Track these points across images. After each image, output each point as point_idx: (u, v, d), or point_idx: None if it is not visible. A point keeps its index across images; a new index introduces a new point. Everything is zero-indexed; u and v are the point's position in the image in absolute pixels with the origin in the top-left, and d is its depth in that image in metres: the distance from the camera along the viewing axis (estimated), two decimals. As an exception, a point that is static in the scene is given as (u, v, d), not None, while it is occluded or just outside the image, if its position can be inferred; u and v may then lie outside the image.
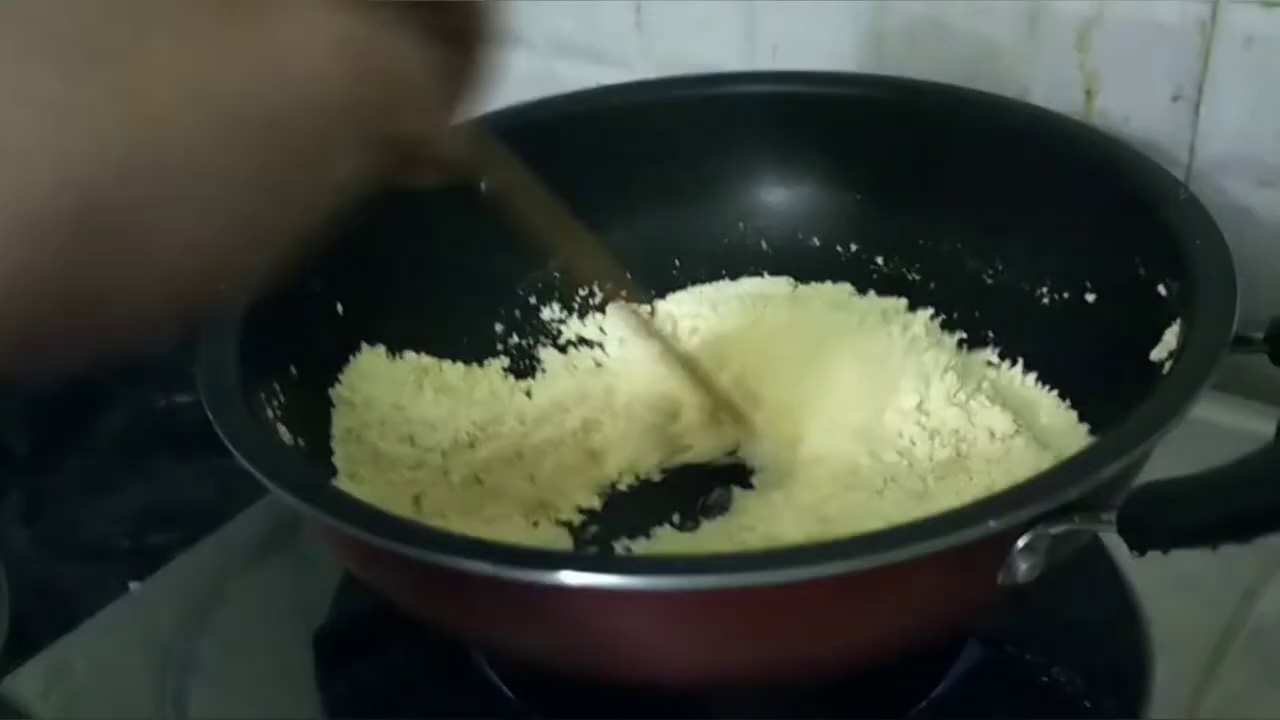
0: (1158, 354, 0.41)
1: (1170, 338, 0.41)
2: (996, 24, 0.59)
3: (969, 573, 0.34)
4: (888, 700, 0.43)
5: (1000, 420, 0.47)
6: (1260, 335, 0.38)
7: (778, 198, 0.57)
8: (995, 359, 0.52)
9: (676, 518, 0.48)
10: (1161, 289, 0.43)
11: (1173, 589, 0.46)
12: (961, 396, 0.48)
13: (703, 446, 0.50)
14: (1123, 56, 0.57)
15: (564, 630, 0.35)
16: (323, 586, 0.50)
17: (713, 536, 0.45)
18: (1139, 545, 0.32)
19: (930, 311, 0.54)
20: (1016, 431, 0.47)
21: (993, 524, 0.32)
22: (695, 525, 0.47)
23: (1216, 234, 0.42)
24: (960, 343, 0.53)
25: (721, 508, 0.48)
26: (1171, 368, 0.38)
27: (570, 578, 0.32)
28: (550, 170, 0.54)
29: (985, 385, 0.49)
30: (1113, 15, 0.56)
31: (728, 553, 0.34)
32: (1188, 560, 0.42)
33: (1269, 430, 0.33)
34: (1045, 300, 0.50)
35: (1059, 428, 0.47)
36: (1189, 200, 0.44)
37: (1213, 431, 0.42)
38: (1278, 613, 0.46)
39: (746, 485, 0.49)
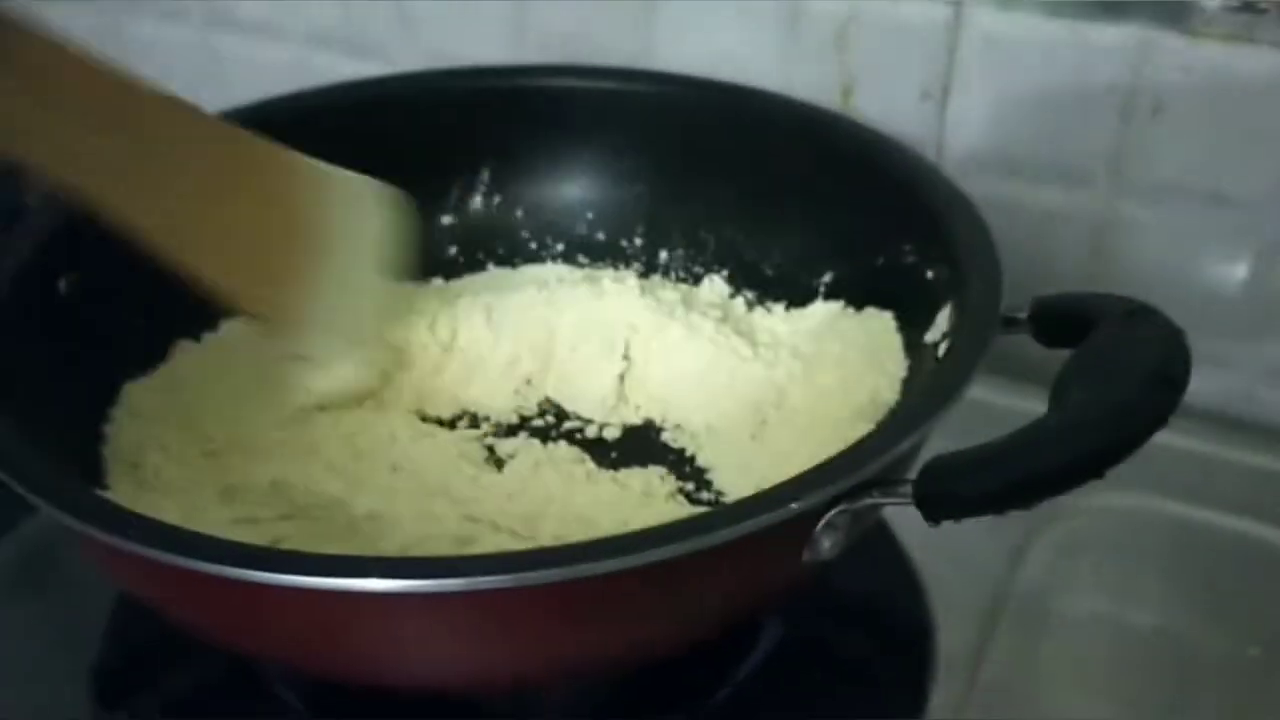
0: (931, 336, 0.44)
1: (942, 320, 0.43)
2: (759, 22, 0.61)
3: (776, 553, 0.35)
4: (692, 688, 0.43)
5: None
6: (1024, 315, 0.41)
7: (562, 192, 0.57)
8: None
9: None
10: (930, 273, 0.46)
11: (947, 558, 0.49)
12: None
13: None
14: (876, 56, 0.60)
15: (346, 637, 0.34)
16: (91, 617, 0.46)
17: None
18: (934, 516, 0.33)
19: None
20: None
21: (795, 505, 0.33)
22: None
23: (977, 219, 0.45)
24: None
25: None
26: (948, 347, 0.40)
27: (341, 583, 0.31)
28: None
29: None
30: (867, 16, 0.59)
31: (519, 550, 0.34)
32: (959, 530, 0.46)
33: (1031, 407, 0.36)
34: (823, 289, 0.52)
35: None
36: (949, 187, 0.47)
37: (977, 410, 0.45)
38: (1042, 574, 0.49)
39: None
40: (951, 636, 0.46)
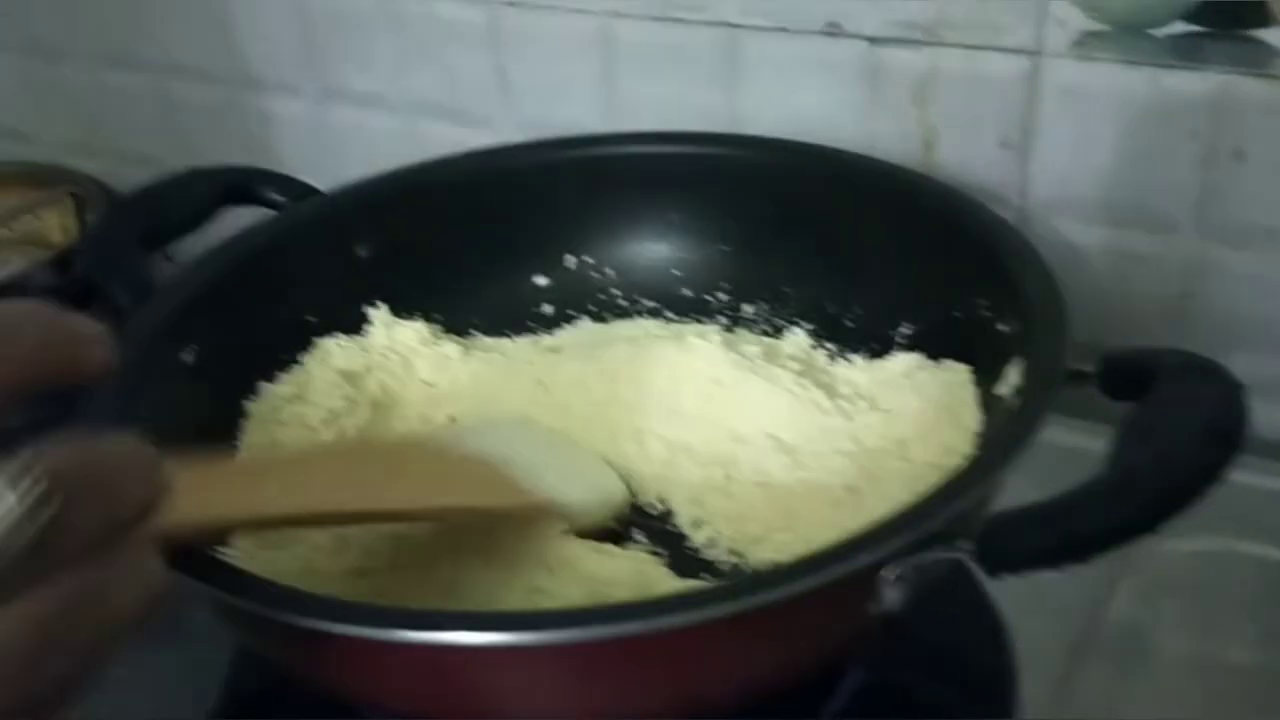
0: (1002, 389, 0.45)
1: (1013, 374, 0.44)
2: (840, 81, 0.63)
3: (841, 606, 0.37)
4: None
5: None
6: (1091, 369, 0.42)
7: (650, 252, 0.60)
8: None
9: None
10: (1002, 327, 0.47)
11: (1030, 601, 0.50)
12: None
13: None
14: (956, 108, 0.61)
15: (460, 688, 0.37)
16: (211, 667, 0.49)
17: None
18: (994, 571, 0.35)
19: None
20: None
21: (858, 560, 0.35)
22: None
23: (1048, 273, 0.46)
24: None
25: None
26: (1017, 403, 0.41)
27: (444, 637, 0.34)
28: (423, 234, 0.58)
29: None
30: (946, 70, 0.61)
31: (601, 605, 0.36)
32: (1043, 576, 0.46)
33: (1097, 446, 0.37)
34: (902, 340, 0.54)
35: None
36: (1021, 241, 0.48)
37: (1050, 450, 0.46)
38: (1126, 616, 0.49)
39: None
40: (1035, 680, 0.47)
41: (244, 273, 0.53)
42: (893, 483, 0.48)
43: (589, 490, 0.50)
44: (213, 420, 0.50)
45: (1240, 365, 0.40)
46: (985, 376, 0.48)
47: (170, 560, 0.28)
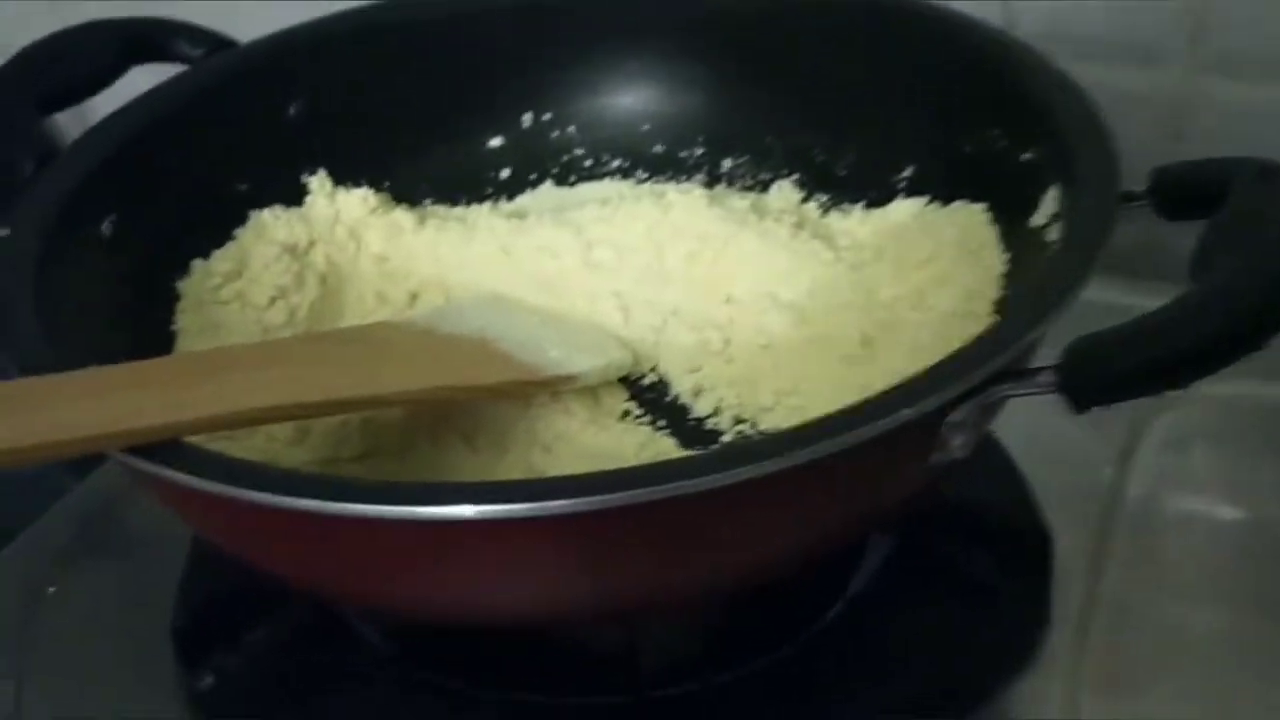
0: (1038, 219, 0.41)
1: (1050, 202, 0.40)
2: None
3: (904, 455, 0.33)
4: (803, 605, 0.41)
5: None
6: (1142, 188, 0.38)
7: (615, 105, 0.54)
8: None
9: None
10: (1027, 155, 0.43)
11: (1054, 461, 0.46)
12: None
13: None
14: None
15: (436, 568, 0.32)
16: (163, 578, 0.44)
17: None
18: (1083, 402, 0.31)
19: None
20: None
21: (920, 406, 0.31)
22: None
23: (1076, 90, 0.42)
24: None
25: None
26: (1065, 227, 0.37)
27: (447, 511, 0.29)
28: (360, 90, 0.52)
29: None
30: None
31: (661, 462, 0.31)
32: (1064, 433, 0.43)
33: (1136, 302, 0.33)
34: (903, 186, 0.49)
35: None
36: (1037, 61, 0.43)
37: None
38: (1154, 472, 0.46)
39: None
40: (1067, 543, 0.44)
41: (161, 135, 0.47)
42: (912, 334, 0.43)
43: (594, 357, 0.44)
44: (139, 301, 0.44)
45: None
46: (1006, 213, 0.44)
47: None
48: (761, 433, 0.43)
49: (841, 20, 0.51)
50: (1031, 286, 0.35)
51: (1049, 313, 0.32)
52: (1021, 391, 0.31)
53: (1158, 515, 0.45)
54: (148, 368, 0.35)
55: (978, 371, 0.31)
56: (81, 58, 0.48)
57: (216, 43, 0.50)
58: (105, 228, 0.43)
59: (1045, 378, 0.31)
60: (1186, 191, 0.37)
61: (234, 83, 0.49)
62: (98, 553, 0.47)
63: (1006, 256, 0.43)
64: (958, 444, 0.32)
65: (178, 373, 0.35)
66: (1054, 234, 0.39)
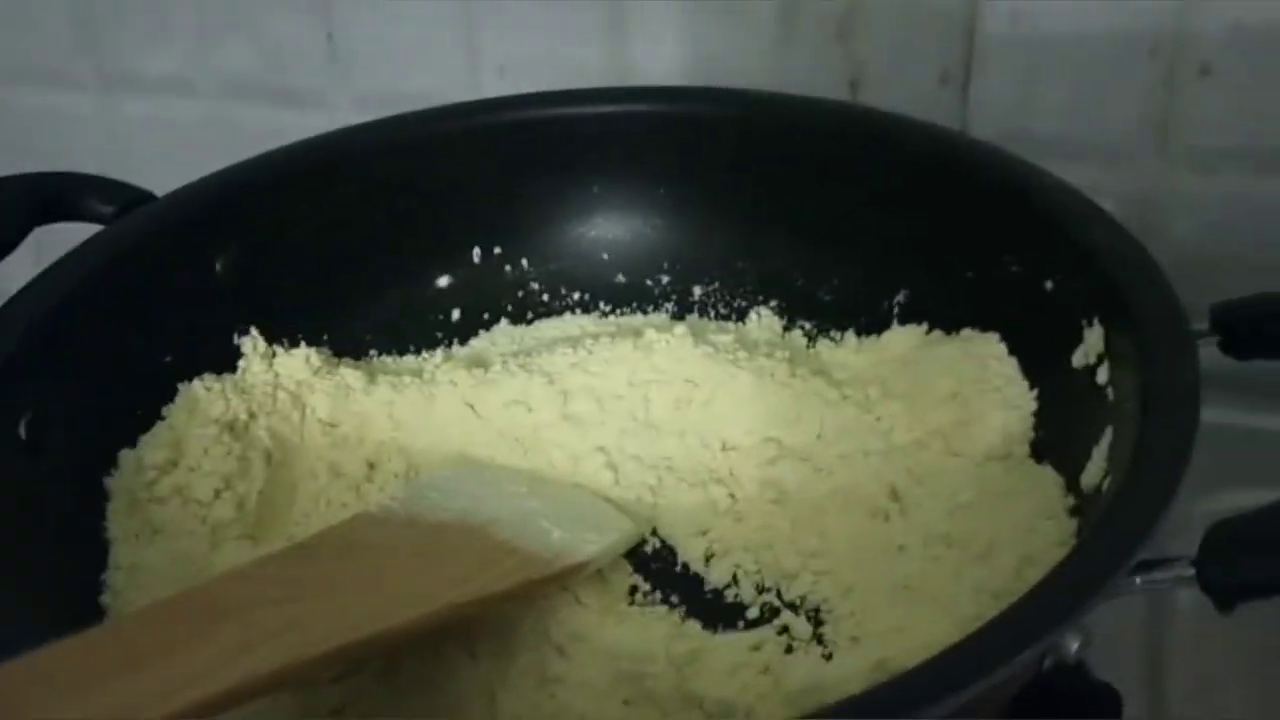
0: (1081, 359, 0.37)
1: (1094, 339, 0.37)
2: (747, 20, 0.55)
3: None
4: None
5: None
6: (1205, 326, 0.35)
7: (570, 234, 0.50)
8: None
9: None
10: (1050, 285, 0.40)
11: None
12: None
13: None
14: (885, 41, 0.54)
15: None
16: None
17: None
18: (1226, 600, 0.27)
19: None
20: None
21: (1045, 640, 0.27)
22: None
23: (1103, 216, 0.39)
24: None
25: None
26: (1144, 379, 0.33)
27: None
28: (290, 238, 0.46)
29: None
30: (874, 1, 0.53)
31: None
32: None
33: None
34: (897, 312, 0.46)
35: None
36: (1056, 183, 0.41)
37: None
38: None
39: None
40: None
41: (73, 313, 0.40)
42: (947, 485, 0.40)
43: (600, 533, 0.39)
44: (66, 509, 0.38)
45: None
46: (1026, 344, 0.41)
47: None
48: (791, 604, 0.39)
49: (805, 136, 0.47)
50: (1143, 462, 0.31)
51: (1159, 506, 0.28)
52: (1158, 586, 0.28)
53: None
54: (125, 632, 0.29)
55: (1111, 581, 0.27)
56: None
57: (132, 197, 0.44)
58: (21, 430, 0.37)
59: (1183, 571, 0.27)
60: (1255, 329, 0.34)
61: (152, 241, 0.43)
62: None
63: (1034, 393, 0.40)
64: (1074, 649, 0.29)
65: (160, 637, 0.29)
66: (1104, 376, 0.36)
